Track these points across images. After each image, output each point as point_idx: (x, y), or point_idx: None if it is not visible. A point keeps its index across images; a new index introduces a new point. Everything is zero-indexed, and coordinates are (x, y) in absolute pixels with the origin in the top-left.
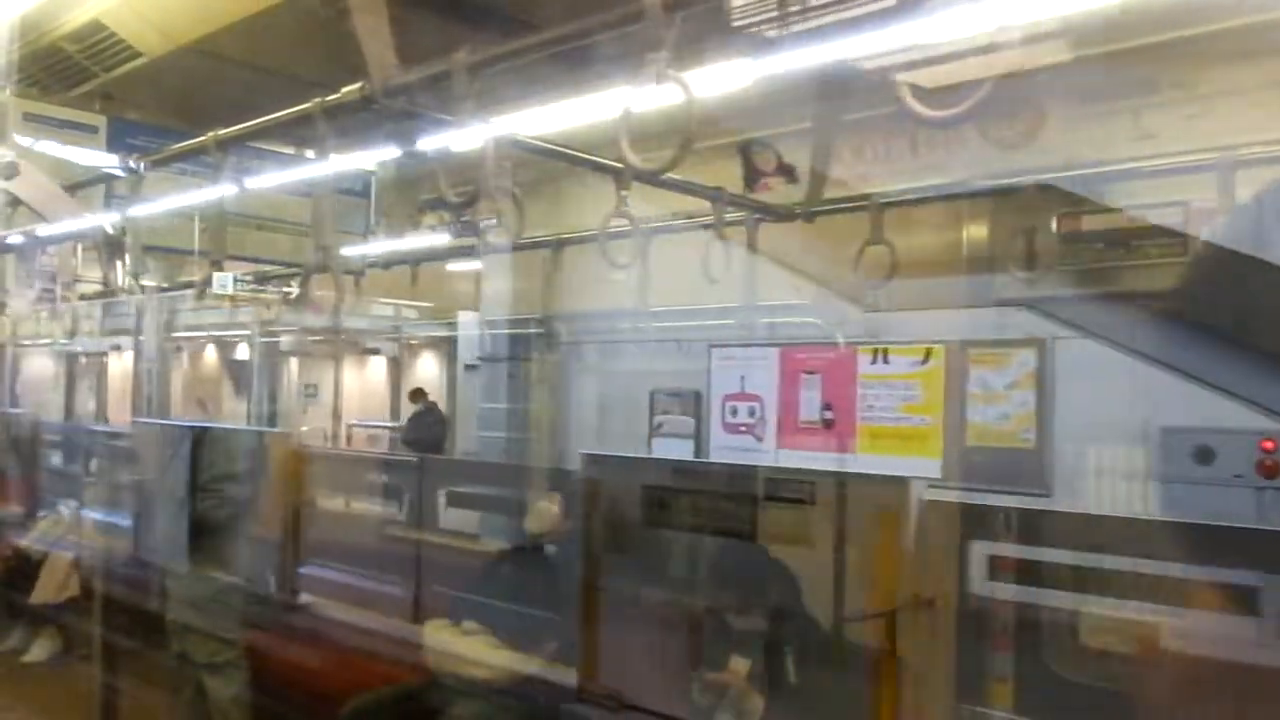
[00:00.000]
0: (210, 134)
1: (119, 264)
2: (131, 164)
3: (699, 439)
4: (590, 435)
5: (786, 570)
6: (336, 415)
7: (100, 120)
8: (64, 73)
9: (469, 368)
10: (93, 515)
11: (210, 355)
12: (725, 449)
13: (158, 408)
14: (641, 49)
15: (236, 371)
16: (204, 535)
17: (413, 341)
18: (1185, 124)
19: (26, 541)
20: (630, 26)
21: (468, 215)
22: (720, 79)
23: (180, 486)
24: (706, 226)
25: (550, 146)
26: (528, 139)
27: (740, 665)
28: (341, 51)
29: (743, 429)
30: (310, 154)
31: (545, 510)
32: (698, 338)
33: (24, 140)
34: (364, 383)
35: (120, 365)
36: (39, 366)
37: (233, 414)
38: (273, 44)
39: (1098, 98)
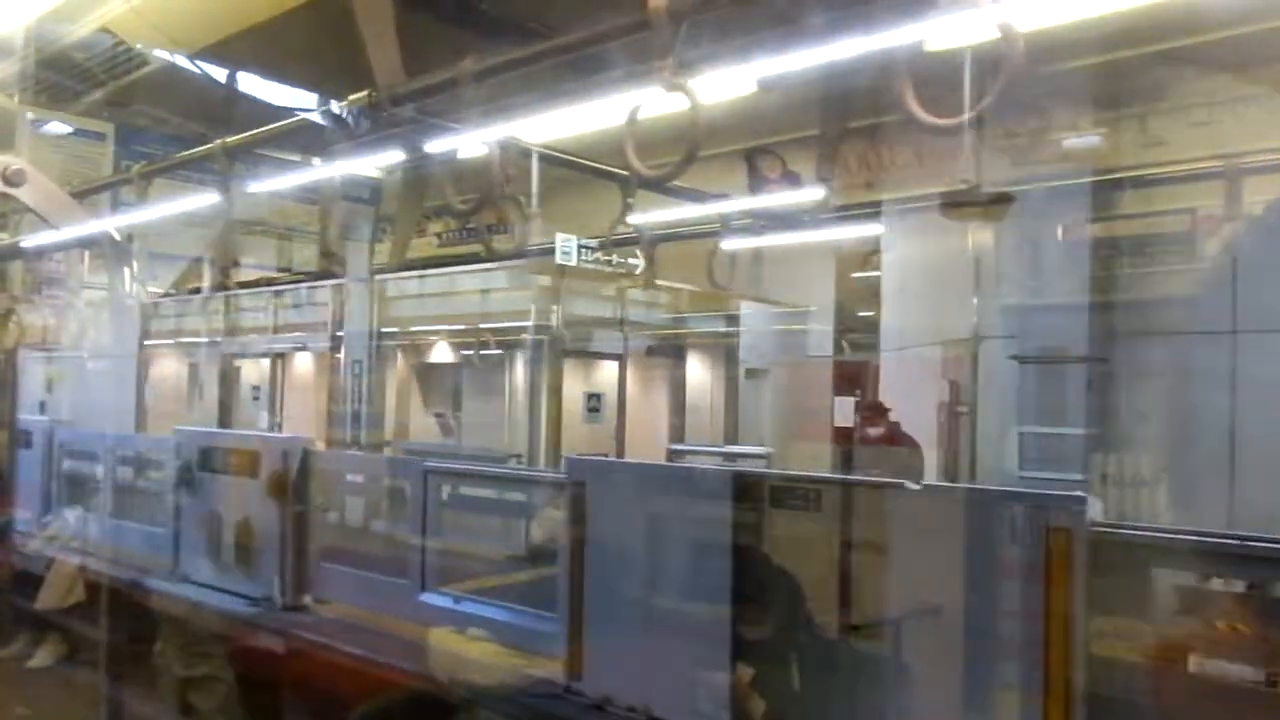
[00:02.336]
0: (218, 141)
1: (126, 270)
2: (336, 110)
3: None
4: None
5: None
6: (619, 434)
7: (108, 127)
8: (73, 80)
9: (751, 373)
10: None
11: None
12: None
13: (367, 423)
14: (648, 57)
15: (429, 378)
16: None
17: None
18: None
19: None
20: (637, 35)
21: (473, 222)
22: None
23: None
24: (710, 234)
25: (556, 154)
26: (534, 146)
27: None
28: (349, 59)
29: None
30: (317, 161)
31: None
32: None
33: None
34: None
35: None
36: (171, 372)
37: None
38: (280, 52)
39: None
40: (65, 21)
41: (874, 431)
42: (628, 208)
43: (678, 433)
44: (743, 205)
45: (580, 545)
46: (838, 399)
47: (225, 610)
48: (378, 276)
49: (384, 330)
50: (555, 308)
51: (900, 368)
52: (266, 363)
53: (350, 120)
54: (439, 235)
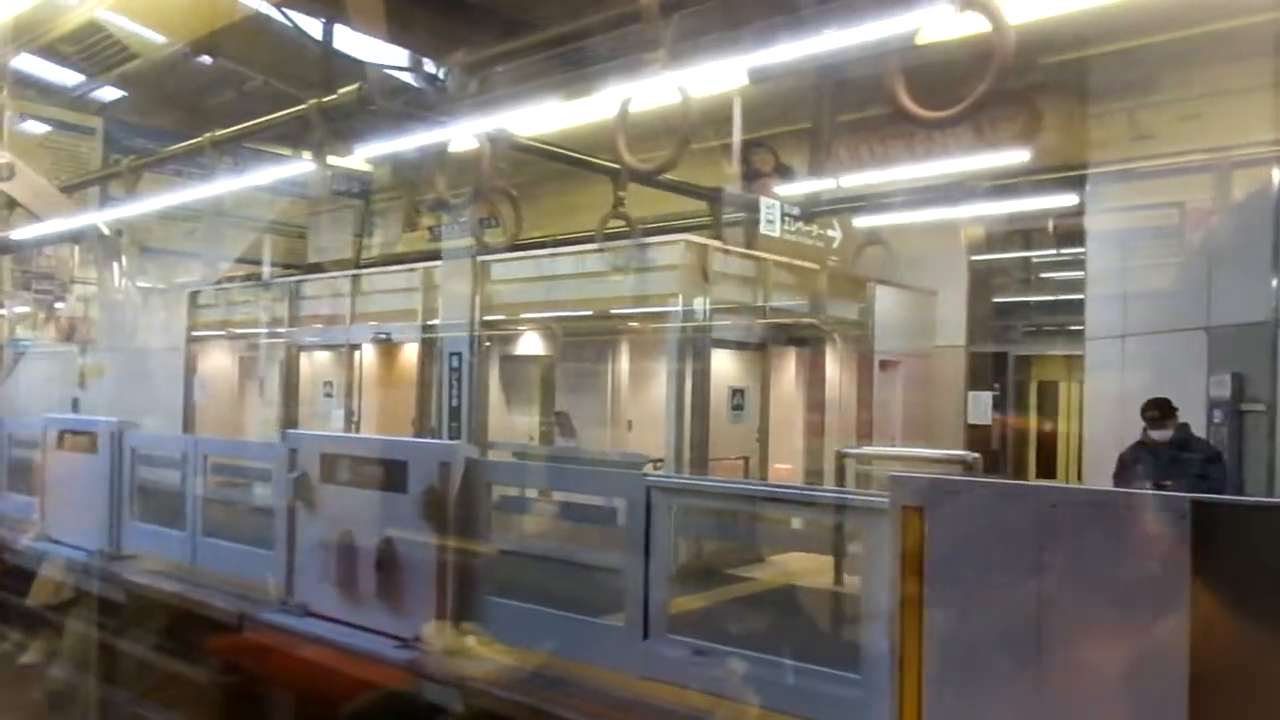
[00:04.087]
0: (206, 135)
1: (115, 265)
2: (429, 69)
3: None
4: None
5: None
6: (762, 437)
7: (97, 121)
8: (61, 74)
9: (884, 364)
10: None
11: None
12: None
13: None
14: (639, 49)
15: (510, 373)
16: None
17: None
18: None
19: None
20: (628, 27)
21: (465, 216)
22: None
23: None
24: (698, 227)
25: (547, 147)
26: (525, 139)
27: None
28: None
29: None
30: (307, 155)
31: None
32: None
33: None
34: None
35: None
36: (219, 366)
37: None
38: (269, 45)
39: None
40: (55, 15)
41: (1159, 435)
42: (619, 200)
43: (816, 431)
44: (927, 173)
45: (916, 593)
46: (973, 394)
47: (363, 651)
48: (481, 258)
49: (485, 319)
50: (702, 295)
51: (1122, 358)
52: (322, 356)
53: (449, 83)
54: (430, 230)
